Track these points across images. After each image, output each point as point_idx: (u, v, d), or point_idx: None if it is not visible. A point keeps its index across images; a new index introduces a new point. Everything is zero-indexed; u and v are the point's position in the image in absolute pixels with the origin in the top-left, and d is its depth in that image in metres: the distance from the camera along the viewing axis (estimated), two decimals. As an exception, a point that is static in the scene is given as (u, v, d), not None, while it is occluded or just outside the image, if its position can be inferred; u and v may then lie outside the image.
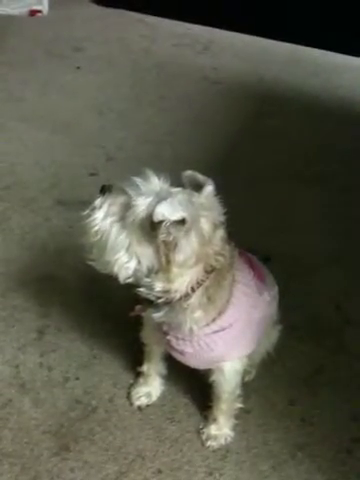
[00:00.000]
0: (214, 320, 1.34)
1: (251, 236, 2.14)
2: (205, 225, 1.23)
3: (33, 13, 4.05)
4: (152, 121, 3.01)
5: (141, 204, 1.21)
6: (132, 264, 1.25)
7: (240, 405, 1.58)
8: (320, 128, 3.04)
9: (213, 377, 1.49)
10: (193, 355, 1.40)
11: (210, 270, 1.28)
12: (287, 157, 2.78)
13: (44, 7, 4.10)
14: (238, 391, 1.54)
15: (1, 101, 3.05)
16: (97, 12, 4.25)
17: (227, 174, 2.61)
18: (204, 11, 4.02)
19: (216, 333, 1.35)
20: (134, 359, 1.72)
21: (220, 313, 1.33)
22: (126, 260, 1.25)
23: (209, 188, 1.29)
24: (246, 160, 2.73)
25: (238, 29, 4.01)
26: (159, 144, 2.80)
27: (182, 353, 1.41)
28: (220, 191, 2.53)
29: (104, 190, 1.31)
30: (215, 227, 1.26)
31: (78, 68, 3.44)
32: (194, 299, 1.28)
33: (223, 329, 1.35)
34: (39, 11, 4.07)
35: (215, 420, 1.57)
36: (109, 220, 1.27)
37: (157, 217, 1.15)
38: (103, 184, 1.33)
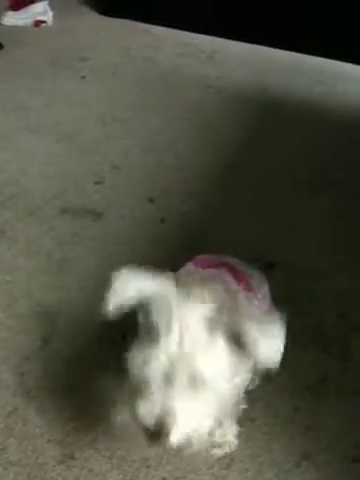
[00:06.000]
0: None
1: (254, 243, 2.15)
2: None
3: (38, 24, 4.07)
4: (156, 130, 3.02)
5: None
6: None
7: (244, 406, 1.58)
8: (325, 137, 3.04)
9: None
10: None
11: None
12: (291, 165, 2.79)
13: (49, 18, 4.12)
14: (242, 394, 1.52)
15: (6, 111, 3.07)
16: (102, 22, 4.27)
17: (231, 182, 2.63)
18: (208, 21, 4.04)
19: None
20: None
21: None
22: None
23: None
24: (250, 168, 2.73)
25: (242, 38, 4.03)
26: (163, 152, 2.82)
27: None
28: (224, 199, 2.55)
29: None
30: None
31: (83, 78, 3.47)
32: None
33: None
34: (44, 21, 4.09)
35: (220, 424, 1.57)
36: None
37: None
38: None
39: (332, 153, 2.90)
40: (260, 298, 1.49)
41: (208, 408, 1.15)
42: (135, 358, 1.15)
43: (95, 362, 1.78)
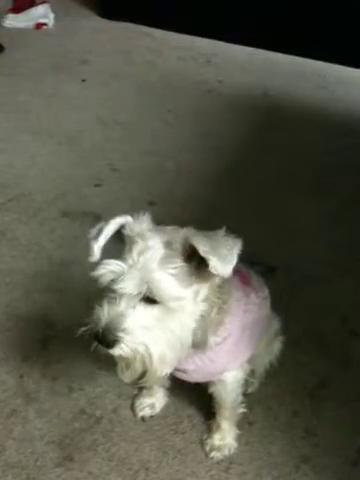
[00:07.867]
0: (216, 332, 1.32)
1: (256, 247, 2.15)
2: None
3: (39, 26, 4.09)
4: (156, 133, 3.03)
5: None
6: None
7: (243, 410, 1.58)
8: (325, 140, 3.05)
9: (213, 388, 1.49)
10: (195, 371, 1.39)
11: None
12: (292, 169, 2.79)
13: (50, 20, 4.14)
14: (240, 398, 1.53)
15: (7, 113, 3.07)
16: (103, 25, 4.28)
17: (231, 186, 2.63)
18: (209, 24, 4.05)
19: (218, 345, 1.34)
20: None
21: (221, 323, 1.32)
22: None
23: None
24: (250, 172, 2.74)
25: (242, 42, 4.04)
26: (163, 156, 2.82)
27: (184, 371, 1.40)
28: (224, 202, 2.55)
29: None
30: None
31: (84, 81, 3.47)
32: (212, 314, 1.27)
33: (225, 339, 1.34)
34: (45, 24, 4.11)
35: (219, 427, 1.57)
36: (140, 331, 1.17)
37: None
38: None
39: (334, 156, 2.91)
40: (261, 298, 1.50)
41: (161, 328, 1.17)
42: (98, 270, 1.19)
43: (94, 364, 1.79)
